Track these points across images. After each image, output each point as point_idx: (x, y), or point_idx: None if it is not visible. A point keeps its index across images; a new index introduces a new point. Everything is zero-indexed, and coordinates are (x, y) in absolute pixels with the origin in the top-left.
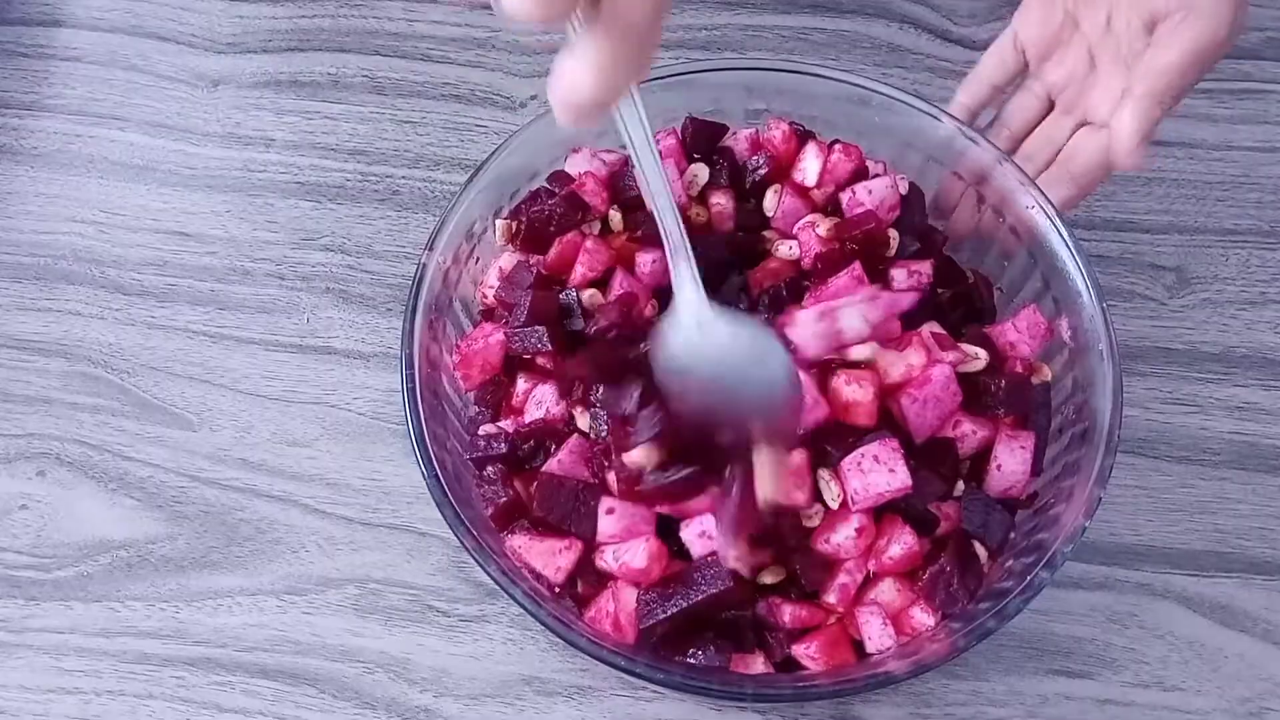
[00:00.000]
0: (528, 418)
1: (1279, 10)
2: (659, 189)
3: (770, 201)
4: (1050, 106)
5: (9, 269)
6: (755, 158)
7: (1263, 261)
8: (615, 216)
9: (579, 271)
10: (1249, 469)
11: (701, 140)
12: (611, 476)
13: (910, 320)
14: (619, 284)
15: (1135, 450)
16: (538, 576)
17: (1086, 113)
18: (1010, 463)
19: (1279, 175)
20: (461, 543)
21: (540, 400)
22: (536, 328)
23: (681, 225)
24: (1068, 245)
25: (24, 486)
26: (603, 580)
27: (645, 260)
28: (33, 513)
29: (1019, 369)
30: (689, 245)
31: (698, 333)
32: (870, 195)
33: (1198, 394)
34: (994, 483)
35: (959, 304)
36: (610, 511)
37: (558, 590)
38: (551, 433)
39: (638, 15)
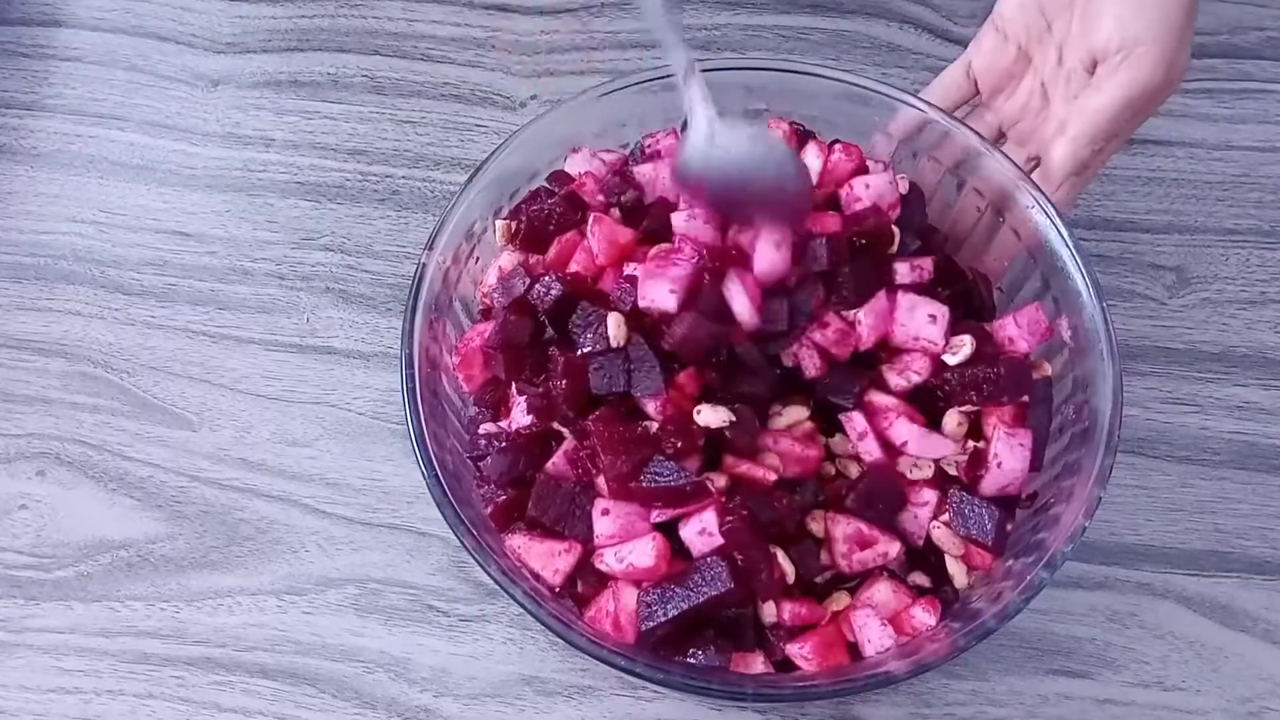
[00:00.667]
0: (514, 424)
1: (1279, 10)
2: (658, 20)
3: None
4: (1002, 136)
5: (9, 269)
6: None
7: (1263, 261)
8: (615, 215)
9: (574, 270)
10: (1249, 469)
11: None
12: (600, 480)
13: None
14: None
15: (1135, 450)
16: (537, 577)
17: (1040, 147)
18: (1010, 460)
19: (1279, 175)
20: (461, 543)
21: (525, 405)
22: (498, 354)
23: (688, 49)
24: (1068, 245)
25: (24, 486)
26: (603, 580)
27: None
28: (33, 513)
29: None
30: (695, 64)
31: (708, 142)
32: (868, 190)
33: (1198, 394)
34: (991, 480)
35: (958, 302)
36: (605, 512)
37: (558, 590)
38: (554, 433)
39: None
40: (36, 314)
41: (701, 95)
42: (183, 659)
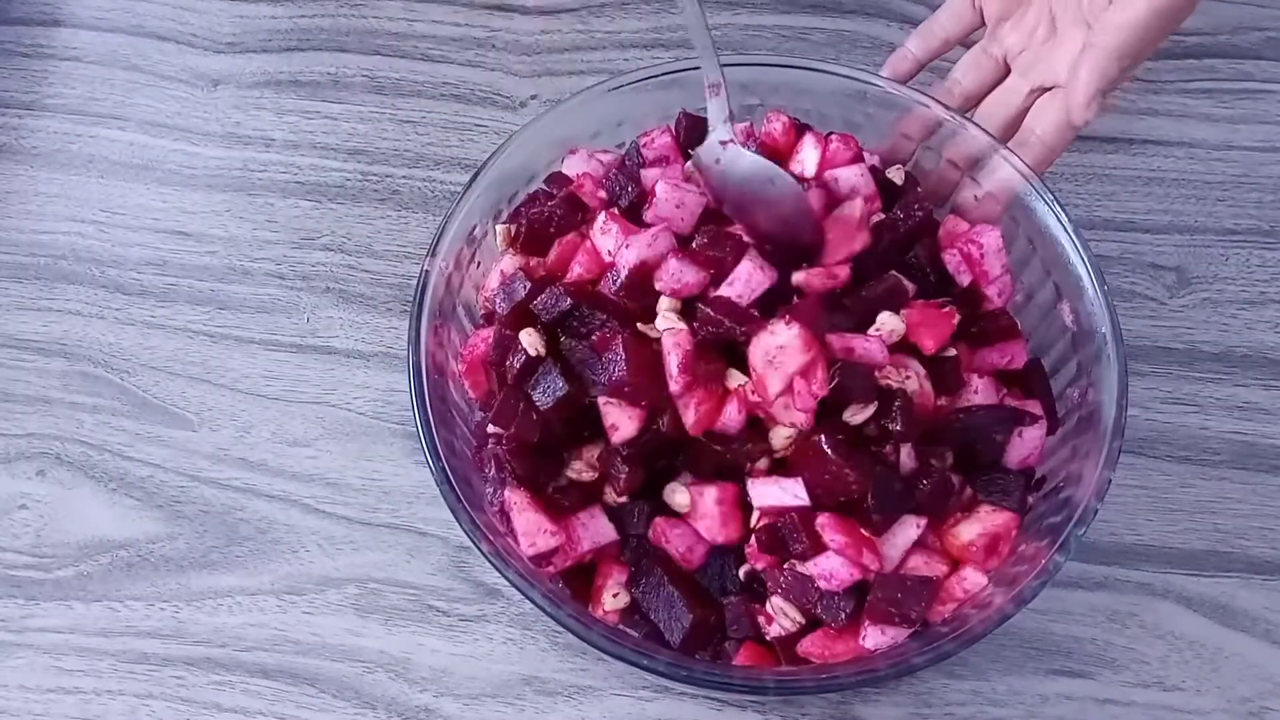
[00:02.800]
0: None
1: (1279, 10)
2: (699, 30)
3: None
4: (1004, 68)
5: (9, 269)
6: (748, 146)
7: (1263, 261)
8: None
9: (575, 271)
10: (1249, 469)
11: (695, 133)
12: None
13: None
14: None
15: (1135, 450)
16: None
17: (1046, 76)
18: (1029, 429)
19: (1279, 175)
20: (478, 547)
21: None
22: (493, 369)
23: (718, 64)
24: (1067, 231)
25: (24, 486)
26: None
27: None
28: (33, 513)
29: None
30: (721, 83)
31: (715, 161)
32: (837, 183)
33: (1198, 394)
34: (1015, 452)
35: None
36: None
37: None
38: None
39: None
40: (36, 314)
41: (719, 115)
42: (183, 659)
